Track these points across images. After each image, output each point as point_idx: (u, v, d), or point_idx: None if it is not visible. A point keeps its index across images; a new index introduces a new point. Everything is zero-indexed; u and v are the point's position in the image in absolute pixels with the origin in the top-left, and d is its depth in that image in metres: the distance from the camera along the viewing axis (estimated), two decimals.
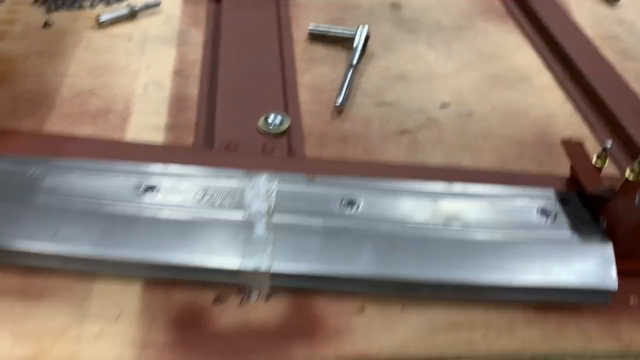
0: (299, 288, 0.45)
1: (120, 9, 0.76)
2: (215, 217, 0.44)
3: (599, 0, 0.95)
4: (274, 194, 0.46)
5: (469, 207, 0.46)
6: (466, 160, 0.61)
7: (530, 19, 0.85)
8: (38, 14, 0.76)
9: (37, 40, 0.71)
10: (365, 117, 0.65)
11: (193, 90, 0.66)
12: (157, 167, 0.47)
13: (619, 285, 0.44)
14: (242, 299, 0.45)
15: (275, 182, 0.47)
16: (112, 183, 0.45)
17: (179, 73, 0.68)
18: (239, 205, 0.45)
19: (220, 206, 0.45)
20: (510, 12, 0.88)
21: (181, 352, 0.42)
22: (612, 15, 0.91)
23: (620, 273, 0.45)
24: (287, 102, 0.63)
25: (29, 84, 0.64)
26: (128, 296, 0.45)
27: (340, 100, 0.65)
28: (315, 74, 0.71)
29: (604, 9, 0.93)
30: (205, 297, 0.45)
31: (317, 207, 0.45)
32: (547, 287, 0.43)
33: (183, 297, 0.45)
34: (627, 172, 0.45)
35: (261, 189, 0.46)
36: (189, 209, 0.44)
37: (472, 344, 0.44)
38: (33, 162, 0.47)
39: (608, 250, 0.44)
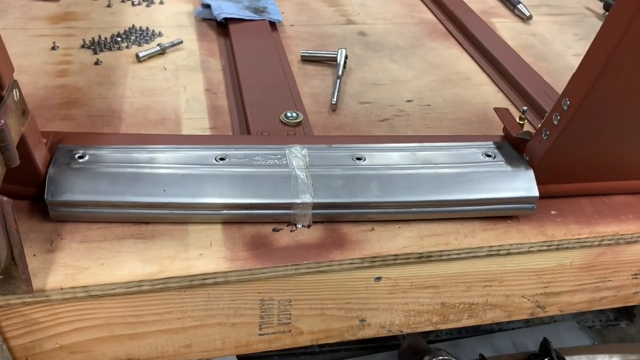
0: (330, 218, 0.66)
1: (153, 47, 0.97)
2: (271, 171, 0.65)
3: (516, 18, 1.22)
4: (307, 156, 0.67)
5: (437, 154, 0.69)
6: (429, 134, 0.84)
7: (466, 36, 1.11)
8: (87, 55, 0.96)
9: (93, 74, 0.91)
10: (353, 112, 0.88)
11: (223, 102, 0.87)
12: (223, 145, 0.68)
13: (541, 203, 0.67)
14: (292, 228, 0.66)
15: (306, 149, 0.68)
16: (197, 154, 0.66)
17: (209, 90, 0.90)
18: (285, 164, 0.66)
19: (273, 165, 0.66)
20: (450, 33, 1.14)
21: (258, 261, 0.62)
22: (527, 30, 1.18)
23: (542, 197, 0.68)
24: (296, 105, 0.85)
25: (98, 105, 0.84)
26: (214, 232, 0.65)
27: (334, 99, 0.87)
28: (311, 85, 0.94)
29: (521, 25, 1.20)
30: (266, 229, 0.66)
31: (337, 162, 0.67)
32: (493, 199, 0.66)
33: (251, 230, 0.65)
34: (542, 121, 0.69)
35: (297, 153, 0.67)
36: (252, 167, 0.65)
37: (448, 244, 0.66)
38: (134, 148, 0.67)
39: (530, 174, 0.67)
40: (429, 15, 1.21)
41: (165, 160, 0.65)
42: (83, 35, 1.01)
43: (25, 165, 0.61)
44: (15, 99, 0.55)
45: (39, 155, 0.62)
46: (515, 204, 0.67)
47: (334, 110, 0.87)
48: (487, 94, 0.95)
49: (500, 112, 0.74)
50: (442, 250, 0.66)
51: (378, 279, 0.67)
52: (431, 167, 0.68)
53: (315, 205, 0.64)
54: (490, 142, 0.72)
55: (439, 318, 0.74)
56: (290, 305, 0.66)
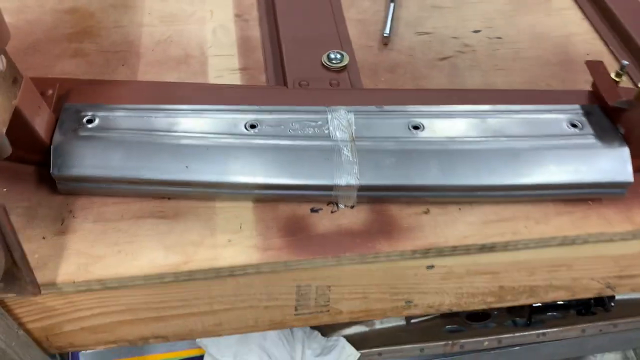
0: (377, 199, 0.56)
1: None
2: (309, 144, 0.55)
3: None
4: (353, 123, 0.56)
5: (511, 122, 0.57)
6: (500, 81, 0.70)
7: None
8: None
9: None
10: (408, 46, 0.74)
11: (255, 32, 0.75)
12: (254, 107, 0.57)
13: (634, 179, 0.56)
14: (333, 209, 0.57)
15: (352, 114, 0.57)
16: (224, 120, 0.56)
17: (240, 17, 0.76)
18: (327, 135, 0.55)
19: (312, 135, 0.55)
20: None
21: (294, 251, 0.54)
22: None
23: (635, 171, 0.56)
24: (341, 39, 0.71)
25: (113, 36, 0.73)
26: (244, 211, 0.56)
27: (387, 31, 0.73)
28: (359, 7, 0.79)
29: None
30: (303, 209, 0.57)
31: (389, 132, 0.56)
32: (576, 183, 0.55)
33: (286, 210, 0.57)
34: None
35: (342, 121, 0.56)
36: (287, 138, 0.55)
37: (516, 233, 0.56)
38: (151, 108, 0.57)
39: (625, 152, 0.55)
40: None
41: (187, 127, 0.56)
42: None
43: (25, 136, 0.52)
44: (2, 68, 0.45)
45: (41, 123, 0.53)
46: (602, 188, 0.56)
47: (385, 45, 0.74)
48: (570, 23, 0.79)
49: (593, 66, 0.60)
50: (508, 241, 0.56)
51: (430, 267, 0.58)
52: (504, 139, 0.56)
53: (362, 188, 0.54)
54: (577, 106, 0.59)
55: (495, 298, 0.66)
56: (329, 290, 0.59)
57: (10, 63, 0.46)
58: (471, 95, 0.63)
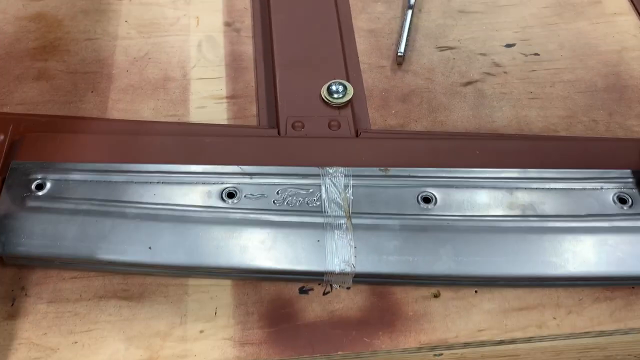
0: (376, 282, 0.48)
1: None
2: (297, 221, 0.45)
3: None
4: (351, 194, 0.47)
5: (545, 197, 0.47)
6: (534, 115, 0.59)
7: None
8: None
9: None
10: (427, 65, 0.63)
11: (247, 47, 0.64)
12: (233, 168, 0.48)
13: None
14: (325, 289, 0.48)
15: (350, 180, 0.47)
16: (197, 190, 0.47)
17: (230, 26, 0.66)
18: (318, 208, 0.46)
19: (301, 208, 0.46)
20: None
21: (276, 348, 0.46)
22: None
23: None
24: (346, 59, 0.60)
25: (84, 52, 0.63)
26: (220, 292, 0.48)
27: (401, 49, 0.62)
28: (371, 14, 0.67)
29: None
30: (290, 289, 0.48)
31: (393, 206, 0.46)
32: (620, 276, 0.45)
33: (270, 290, 0.48)
34: None
35: (338, 189, 0.47)
36: (271, 213, 0.46)
37: (542, 326, 0.47)
38: (112, 170, 0.48)
39: None
40: None
41: (153, 196, 0.47)
42: None
43: None
44: None
45: None
46: None
47: (399, 65, 0.63)
48: (624, 34, 0.66)
49: None
50: (531, 337, 0.47)
51: (439, 354, 0.50)
52: (534, 220, 0.46)
53: (359, 275, 0.46)
54: (628, 172, 0.48)
55: None
56: None
57: None
58: (498, 145, 0.52)
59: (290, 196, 0.47)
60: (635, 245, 0.45)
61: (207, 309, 0.47)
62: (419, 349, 0.47)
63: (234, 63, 0.62)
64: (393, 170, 0.48)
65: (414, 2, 0.66)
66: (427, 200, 0.47)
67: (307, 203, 0.47)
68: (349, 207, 0.46)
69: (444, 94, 0.61)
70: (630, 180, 0.48)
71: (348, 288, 0.48)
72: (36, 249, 0.45)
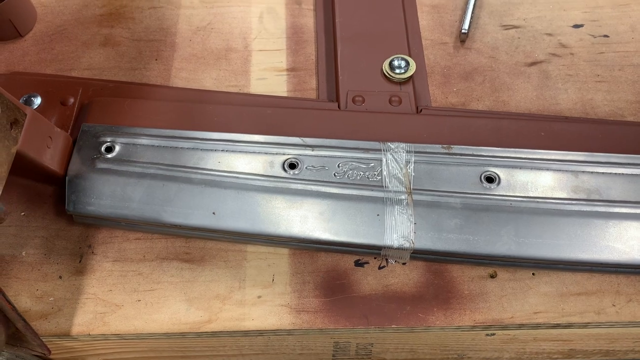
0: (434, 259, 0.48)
1: None
2: (357, 194, 0.46)
3: None
4: (412, 170, 0.47)
5: (611, 181, 0.46)
6: (600, 98, 0.57)
7: None
8: None
9: None
10: (491, 44, 0.62)
11: (308, 20, 0.64)
12: (294, 140, 0.48)
13: None
14: (381, 264, 0.49)
15: (412, 156, 0.47)
16: (259, 159, 0.48)
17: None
18: (379, 183, 0.46)
19: (361, 182, 0.46)
20: None
21: (331, 317, 0.47)
22: None
23: None
24: (409, 35, 0.60)
25: (148, 20, 0.64)
26: (278, 260, 0.49)
27: (465, 26, 0.61)
28: None
29: None
30: (346, 261, 0.49)
31: (455, 185, 0.46)
32: None
33: (326, 261, 0.49)
34: None
35: (399, 164, 0.47)
36: (331, 185, 0.46)
37: (600, 313, 0.47)
38: (178, 136, 0.49)
39: None
40: None
41: (217, 163, 0.48)
42: None
43: (35, 172, 0.46)
44: None
45: (52, 155, 0.46)
46: None
47: (462, 42, 0.62)
48: None
49: None
50: (588, 323, 0.47)
51: (492, 334, 0.50)
52: (599, 204, 0.45)
53: (417, 251, 0.46)
54: None
55: (562, 357, 0.57)
56: (372, 346, 0.52)
57: (7, 104, 0.39)
58: (563, 127, 0.51)
59: (351, 170, 0.47)
60: None
61: (264, 275, 0.49)
62: (473, 328, 0.47)
63: (294, 36, 0.62)
64: (456, 148, 0.48)
65: None
66: (490, 179, 0.46)
67: (367, 177, 0.47)
68: (410, 183, 0.46)
69: (507, 73, 0.59)
70: None
71: (404, 264, 0.49)
72: (104, 209, 0.47)
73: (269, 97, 0.56)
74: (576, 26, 0.63)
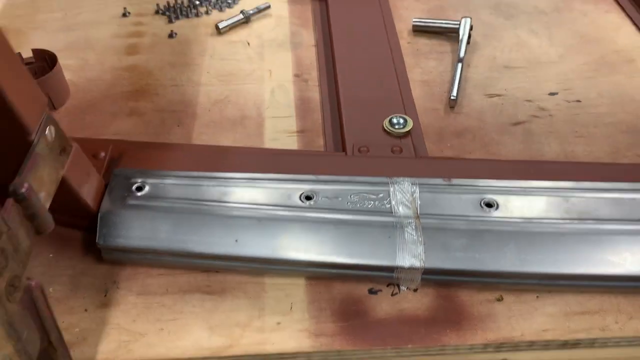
0: (444, 283, 0.51)
1: (236, 15, 0.82)
2: (369, 219, 0.50)
3: None
4: (417, 198, 0.51)
5: (599, 203, 0.51)
6: (580, 150, 0.64)
7: None
8: (161, 24, 0.83)
9: (166, 51, 0.78)
10: (478, 110, 0.69)
11: (314, 94, 0.72)
12: (310, 177, 0.54)
13: None
14: (393, 291, 0.51)
15: (417, 187, 0.52)
16: (278, 191, 0.52)
17: (299, 77, 0.74)
18: (389, 210, 0.51)
19: (372, 210, 0.51)
20: None
21: (349, 340, 0.49)
22: None
23: None
24: (404, 102, 0.67)
25: (170, 95, 0.71)
26: (295, 290, 0.52)
27: (454, 94, 0.69)
28: (424, 68, 0.75)
29: None
30: (360, 289, 0.52)
31: (458, 210, 0.51)
32: None
33: (341, 290, 0.52)
34: None
35: (405, 194, 0.52)
36: (345, 212, 0.51)
37: (605, 329, 0.49)
38: (203, 176, 0.54)
39: None
40: None
41: (239, 197, 0.52)
42: None
43: (72, 204, 0.50)
44: (50, 139, 0.43)
45: (89, 190, 0.51)
46: None
47: (452, 108, 0.69)
48: None
49: None
50: (595, 339, 0.49)
51: None
52: (591, 222, 0.49)
53: (427, 271, 0.49)
54: None
55: None
56: None
57: (59, 133, 0.45)
58: (550, 167, 0.57)
59: (362, 200, 0.52)
60: None
61: (283, 304, 0.51)
62: (485, 346, 0.49)
63: (302, 105, 0.70)
64: (455, 181, 0.53)
65: (464, 56, 0.74)
66: (489, 205, 0.51)
67: (377, 205, 0.51)
68: (417, 209, 0.51)
69: (494, 131, 0.66)
70: None
71: (415, 290, 0.51)
72: (133, 241, 0.50)
73: (282, 150, 0.62)
74: (551, 94, 0.71)
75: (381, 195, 0.52)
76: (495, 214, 0.50)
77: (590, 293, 0.51)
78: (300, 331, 0.49)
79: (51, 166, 0.43)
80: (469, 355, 0.50)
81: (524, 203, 0.51)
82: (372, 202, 0.51)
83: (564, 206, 0.51)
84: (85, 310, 0.51)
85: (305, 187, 0.53)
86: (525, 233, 0.49)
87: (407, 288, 0.51)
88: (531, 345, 0.49)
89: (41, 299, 0.40)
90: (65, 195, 0.47)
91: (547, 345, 0.49)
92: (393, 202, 0.51)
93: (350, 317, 0.50)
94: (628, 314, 0.50)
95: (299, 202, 0.52)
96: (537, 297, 0.51)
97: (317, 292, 0.52)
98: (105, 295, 0.52)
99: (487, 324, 0.50)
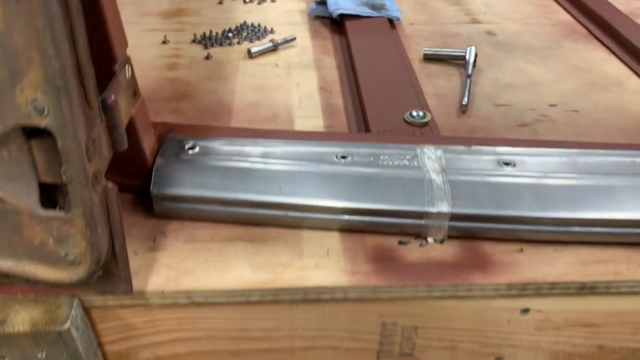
0: (468, 234, 0.55)
1: (265, 43, 0.91)
2: (401, 172, 0.55)
3: None
4: (442, 158, 0.57)
5: (605, 161, 0.57)
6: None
7: (613, 36, 0.96)
8: (198, 50, 0.92)
9: (202, 69, 0.87)
10: (487, 114, 0.77)
11: (338, 101, 0.79)
12: (344, 142, 0.59)
13: None
14: (421, 243, 0.56)
15: (441, 150, 0.58)
16: (315, 150, 0.58)
17: (324, 89, 0.82)
18: (416, 166, 0.56)
19: (403, 166, 0.56)
20: (592, 34, 1.00)
21: (383, 277, 0.52)
22: None
23: None
24: (421, 104, 0.75)
25: (208, 99, 0.79)
26: (331, 240, 0.56)
27: (465, 100, 0.77)
28: (435, 85, 0.84)
29: None
30: (390, 241, 0.56)
31: (479, 167, 0.56)
32: None
33: (373, 241, 0.56)
34: None
35: (431, 154, 0.57)
36: (378, 167, 0.56)
37: (618, 274, 0.53)
38: (247, 141, 0.60)
39: None
40: (566, 17, 1.07)
41: (280, 155, 0.58)
42: (194, 30, 0.97)
43: (132, 153, 0.55)
44: (127, 77, 0.50)
45: (148, 142, 0.56)
46: None
47: (463, 112, 0.77)
48: None
49: None
50: (610, 281, 0.53)
51: (525, 310, 0.55)
52: (599, 176, 0.55)
53: (453, 217, 0.54)
54: None
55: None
56: (416, 333, 0.56)
57: (133, 76, 0.51)
58: (556, 145, 0.63)
59: (392, 159, 0.57)
60: None
61: (320, 250, 0.55)
62: (510, 287, 0.52)
63: (328, 109, 0.77)
64: (475, 147, 0.59)
65: (472, 73, 0.82)
66: (507, 163, 0.57)
67: (407, 163, 0.57)
68: (443, 165, 0.56)
69: (503, 131, 0.73)
70: None
71: (442, 242, 0.56)
72: (184, 190, 0.55)
73: (314, 132, 0.69)
74: (551, 105, 0.79)
75: (409, 156, 0.58)
76: (513, 170, 0.56)
77: (602, 247, 0.56)
78: (337, 270, 0.53)
79: (126, 100, 0.49)
80: (494, 300, 0.54)
81: (538, 162, 0.57)
82: (402, 161, 0.57)
83: (575, 165, 0.57)
84: (135, 253, 0.54)
85: (340, 150, 0.58)
86: (541, 184, 0.54)
87: (434, 240, 0.56)
88: (552, 288, 0.53)
89: (115, 202, 0.44)
90: (130, 140, 0.53)
91: (567, 287, 0.53)
92: (421, 161, 0.57)
93: (383, 261, 0.54)
94: (638, 263, 0.54)
95: (335, 160, 0.57)
96: (555, 249, 0.55)
97: (350, 241, 0.56)
98: (154, 242, 0.55)
99: (510, 268, 0.54)
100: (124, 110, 0.48)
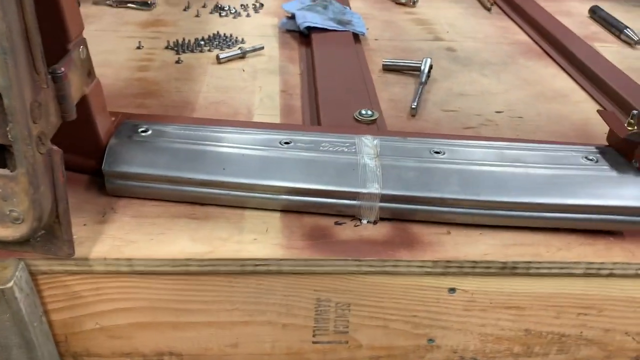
0: (399, 215, 0.59)
1: (234, 50, 0.96)
2: (337, 156, 0.59)
3: (623, 43, 1.12)
4: (378, 146, 0.61)
5: (528, 154, 0.61)
6: None
7: (565, 55, 1.02)
8: (170, 55, 0.97)
9: (172, 71, 0.91)
10: (435, 118, 0.81)
11: (297, 102, 0.84)
12: (290, 131, 0.64)
13: None
14: (356, 223, 0.59)
15: (378, 140, 0.62)
16: (262, 137, 0.62)
17: (285, 92, 0.86)
18: (353, 152, 0.60)
19: (341, 152, 0.60)
20: (546, 53, 1.05)
21: (316, 251, 0.56)
22: (636, 54, 1.07)
23: None
24: (372, 105, 0.79)
25: (174, 97, 0.83)
26: (271, 219, 0.59)
27: (414, 104, 0.81)
28: (391, 92, 0.88)
29: (628, 50, 1.09)
30: (327, 221, 0.59)
31: (411, 154, 0.60)
32: (595, 205, 0.56)
33: (310, 220, 0.59)
34: None
35: (368, 143, 0.61)
36: (318, 152, 0.60)
37: (537, 255, 0.57)
38: (201, 128, 0.64)
39: None
40: (524, 37, 1.13)
41: (229, 140, 0.62)
42: (168, 38, 1.02)
43: (86, 133, 0.59)
44: (81, 57, 0.54)
45: (102, 124, 0.60)
46: (621, 214, 0.57)
47: (413, 116, 0.81)
48: (587, 111, 0.85)
49: (606, 115, 0.65)
50: (529, 262, 0.56)
51: (452, 290, 0.58)
52: (521, 165, 0.59)
53: (384, 198, 0.57)
54: (592, 147, 0.63)
55: (522, 349, 0.63)
56: (349, 310, 0.59)
57: (88, 57, 0.55)
58: (489, 140, 0.67)
59: (332, 146, 0.61)
60: (604, 183, 0.58)
61: (260, 227, 0.58)
62: (435, 264, 0.56)
63: (286, 108, 0.81)
64: (410, 138, 0.63)
65: (425, 80, 0.87)
66: (437, 152, 0.61)
67: (345, 150, 0.61)
68: (377, 152, 0.60)
69: (449, 132, 0.78)
70: (595, 150, 0.62)
71: (375, 223, 0.59)
72: (134, 168, 0.59)
73: (267, 123, 0.73)
74: (498, 112, 0.84)
75: (348, 144, 0.62)
76: (441, 157, 0.60)
77: (524, 231, 0.59)
78: (274, 245, 0.56)
79: (79, 78, 0.53)
80: (422, 278, 0.57)
81: (467, 152, 0.61)
82: (341, 148, 0.61)
83: (500, 155, 0.61)
84: (84, 225, 0.57)
85: (285, 136, 0.62)
86: (466, 170, 0.58)
87: (367, 221, 0.59)
88: (474, 267, 0.56)
89: (59, 165, 0.48)
90: (82, 120, 0.56)
91: (488, 267, 0.56)
92: (358, 148, 0.61)
93: (318, 238, 0.57)
94: (557, 246, 0.58)
95: (279, 146, 0.61)
96: (481, 233, 0.59)
97: (290, 221, 0.59)
98: (103, 216, 0.59)
99: (436, 247, 0.57)
100: (76, 86, 0.52)
